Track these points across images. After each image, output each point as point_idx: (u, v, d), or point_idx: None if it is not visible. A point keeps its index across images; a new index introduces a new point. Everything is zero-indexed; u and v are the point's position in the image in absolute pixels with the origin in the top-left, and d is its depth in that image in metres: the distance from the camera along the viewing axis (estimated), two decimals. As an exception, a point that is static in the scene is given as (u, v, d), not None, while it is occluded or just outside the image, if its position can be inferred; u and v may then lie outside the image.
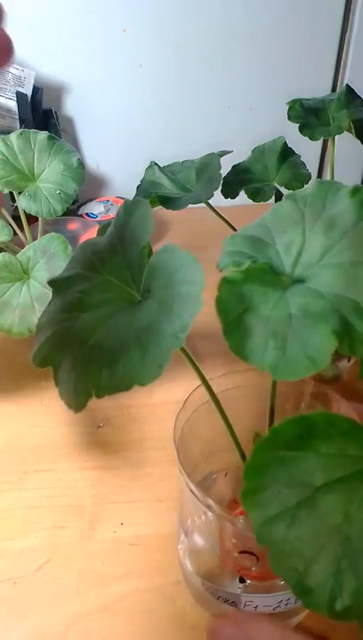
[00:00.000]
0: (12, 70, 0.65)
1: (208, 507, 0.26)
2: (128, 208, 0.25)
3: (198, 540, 0.33)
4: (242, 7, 0.64)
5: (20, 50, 0.66)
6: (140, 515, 0.40)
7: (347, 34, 0.66)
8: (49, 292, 0.40)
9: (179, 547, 0.34)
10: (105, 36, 0.65)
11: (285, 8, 0.64)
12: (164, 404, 0.49)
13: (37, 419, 0.48)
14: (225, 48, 0.67)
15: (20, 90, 0.65)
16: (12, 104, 0.65)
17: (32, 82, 0.66)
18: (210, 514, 0.27)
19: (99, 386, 0.20)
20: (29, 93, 0.66)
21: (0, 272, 0.41)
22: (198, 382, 0.51)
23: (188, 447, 0.30)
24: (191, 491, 0.27)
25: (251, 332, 0.20)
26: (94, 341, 0.21)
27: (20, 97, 0.65)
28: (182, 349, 0.24)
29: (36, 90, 0.67)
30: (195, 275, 0.20)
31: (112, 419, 0.48)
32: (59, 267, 0.40)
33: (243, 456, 0.28)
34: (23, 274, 0.42)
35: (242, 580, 0.30)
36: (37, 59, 0.66)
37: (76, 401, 0.21)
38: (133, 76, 0.68)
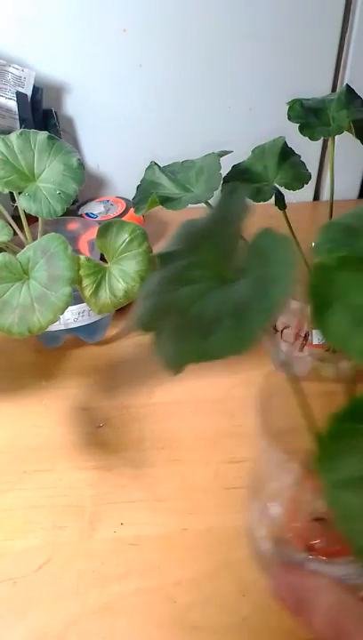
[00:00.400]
0: (12, 70, 0.65)
1: (289, 469, 0.28)
2: (226, 192, 0.27)
3: (272, 506, 0.34)
4: (242, 7, 0.64)
5: (20, 50, 0.66)
6: (140, 515, 0.40)
7: (347, 34, 0.66)
8: (49, 292, 0.40)
9: (250, 513, 0.35)
10: (105, 35, 0.65)
11: (285, 8, 0.64)
12: (164, 403, 0.49)
13: (37, 419, 0.48)
14: (225, 48, 0.67)
15: (20, 90, 0.65)
16: (12, 104, 0.65)
17: (32, 82, 0.66)
18: (288, 479, 0.28)
19: (196, 354, 0.22)
20: (29, 93, 0.66)
21: (0, 272, 0.41)
22: (198, 382, 0.51)
23: (267, 415, 0.31)
24: (272, 453, 0.28)
25: (340, 317, 0.21)
26: (193, 313, 0.23)
27: (19, 97, 0.65)
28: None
29: (36, 90, 0.67)
30: (287, 257, 0.22)
31: (112, 419, 0.48)
32: (59, 267, 0.40)
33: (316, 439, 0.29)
34: (23, 274, 0.42)
35: (312, 549, 0.31)
36: (37, 59, 0.66)
37: (176, 365, 0.22)
38: (133, 76, 0.68)
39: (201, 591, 0.35)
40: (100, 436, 0.46)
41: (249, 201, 0.26)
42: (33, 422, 0.48)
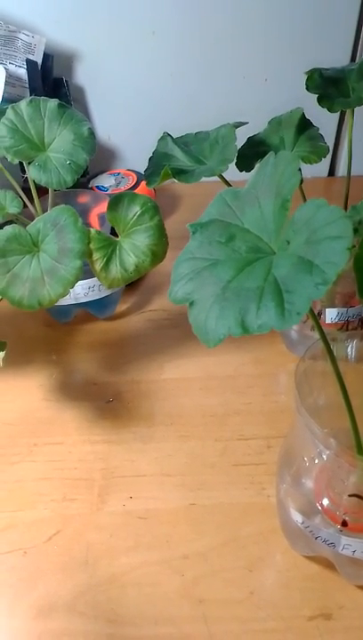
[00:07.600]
0: (23, 37, 0.63)
1: (328, 446, 0.27)
2: (275, 162, 0.26)
3: (305, 480, 0.34)
4: (260, -29, 0.61)
5: (30, 15, 0.64)
6: (149, 489, 0.40)
7: (369, 0, 0.64)
8: (59, 266, 0.40)
9: (281, 486, 0.35)
10: (118, 1, 0.63)
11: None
12: (174, 380, 0.49)
13: (47, 392, 0.48)
14: (241, 16, 0.64)
15: (31, 57, 0.64)
16: (22, 72, 0.64)
17: (43, 49, 0.64)
18: (325, 455, 0.28)
19: (237, 328, 0.22)
20: (40, 61, 0.64)
21: (10, 244, 0.40)
22: (207, 359, 0.51)
23: (304, 392, 0.30)
24: (309, 428, 0.28)
25: None
26: (232, 286, 0.23)
27: (30, 65, 0.63)
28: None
29: (46, 57, 0.65)
30: (342, 230, 0.21)
31: (122, 394, 0.48)
32: (69, 239, 0.40)
33: (352, 418, 0.29)
34: (33, 246, 0.41)
35: (344, 524, 0.31)
36: (48, 25, 0.64)
37: (214, 338, 0.22)
38: (146, 43, 0.66)
39: (208, 565, 0.36)
40: (110, 411, 0.46)
41: (300, 169, 0.25)
42: (43, 396, 0.48)
